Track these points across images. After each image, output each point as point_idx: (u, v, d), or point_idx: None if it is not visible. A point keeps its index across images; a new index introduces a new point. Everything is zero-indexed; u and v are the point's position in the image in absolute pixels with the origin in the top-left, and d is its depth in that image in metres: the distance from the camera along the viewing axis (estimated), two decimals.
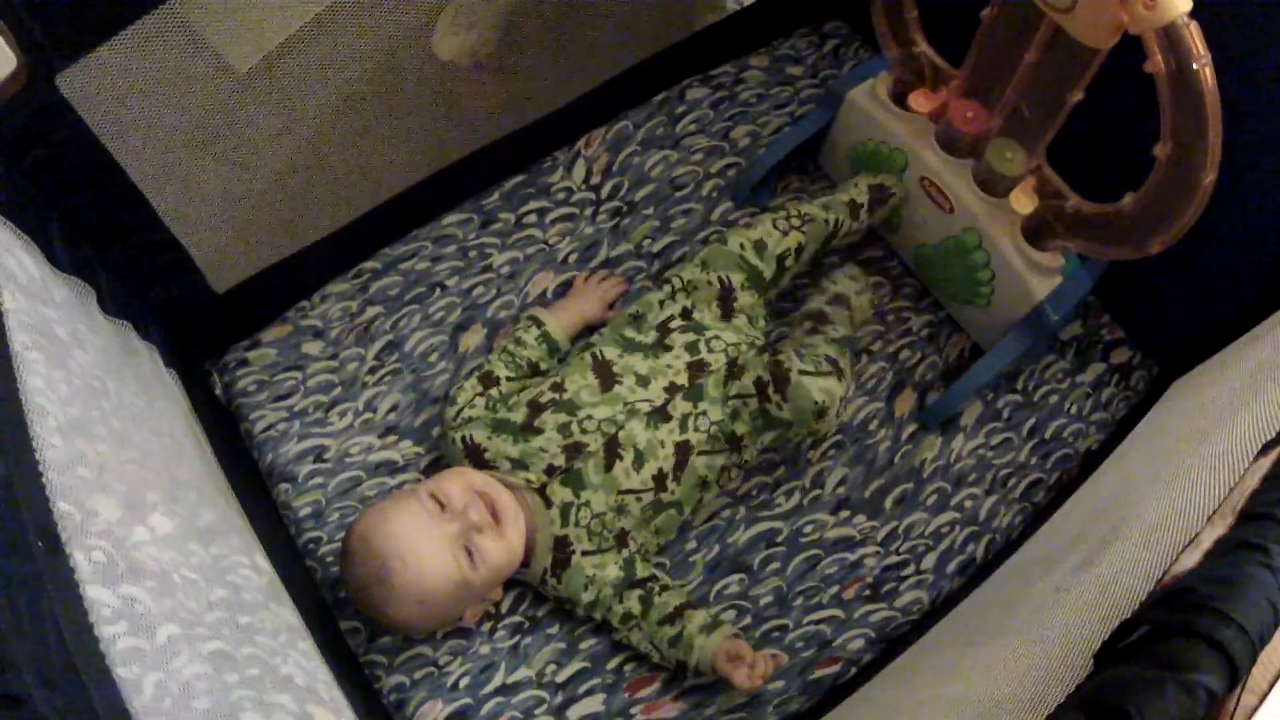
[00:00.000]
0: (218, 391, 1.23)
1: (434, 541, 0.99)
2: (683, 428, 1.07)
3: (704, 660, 1.03)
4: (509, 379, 1.14)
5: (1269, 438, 0.66)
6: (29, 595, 0.64)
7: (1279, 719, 0.71)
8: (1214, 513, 0.59)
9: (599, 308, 1.22)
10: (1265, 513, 0.55)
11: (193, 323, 1.17)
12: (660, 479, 1.06)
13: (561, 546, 1.05)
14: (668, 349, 1.11)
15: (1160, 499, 0.76)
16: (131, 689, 0.67)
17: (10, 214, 0.85)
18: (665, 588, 1.08)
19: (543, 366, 1.16)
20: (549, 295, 1.25)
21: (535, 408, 1.08)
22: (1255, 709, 0.71)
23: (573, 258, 1.27)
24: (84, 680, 0.63)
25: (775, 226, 1.16)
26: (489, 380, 1.14)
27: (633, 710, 1.07)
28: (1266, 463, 0.60)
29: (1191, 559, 0.55)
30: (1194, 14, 0.85)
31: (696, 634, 1.04)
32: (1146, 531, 0.72)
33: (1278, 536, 0.53)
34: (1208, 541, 0.55)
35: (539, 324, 1.17)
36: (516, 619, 1.11)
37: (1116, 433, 1.19)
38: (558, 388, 1.09)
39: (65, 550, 0.69)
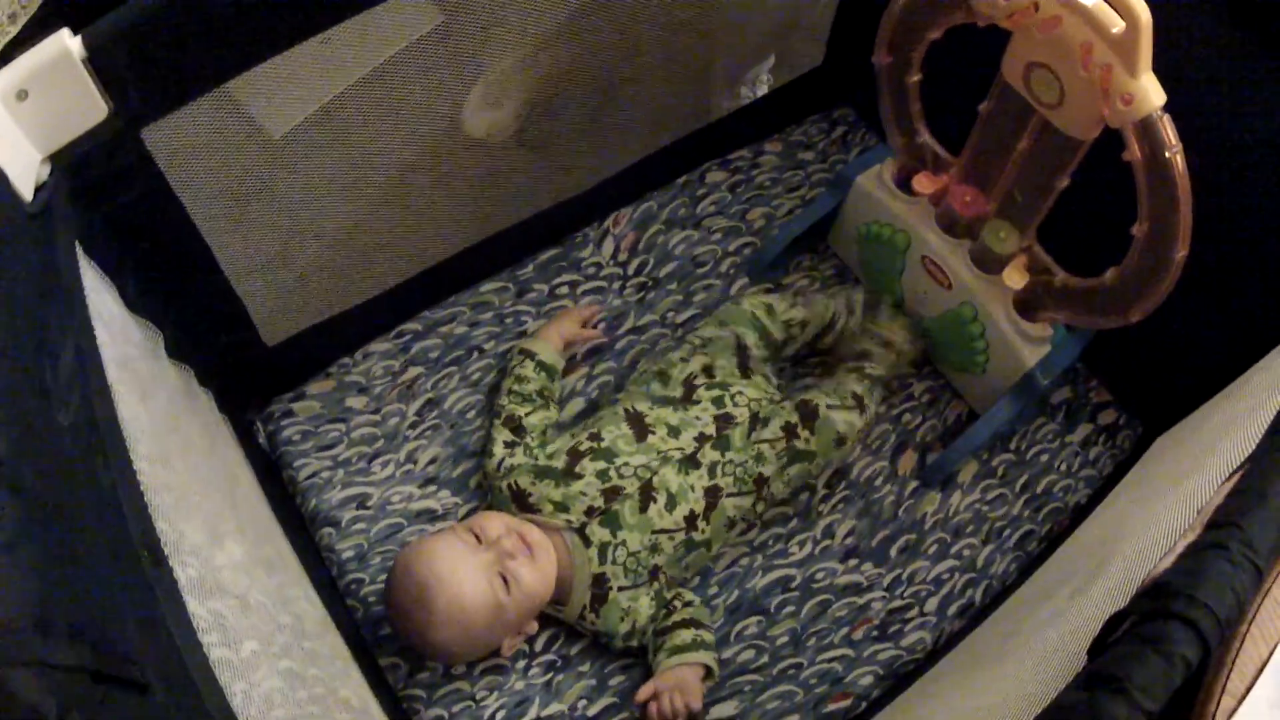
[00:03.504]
0: (260, 440, 1.29)
1: (471, 568, 1.07)
2: (711, 474, 1.16)
3: (654, 672, 1.12)
4: (528, 413, 1.23)
5: (1233, 469, 0.75)
6: (143, 601, 0.69)
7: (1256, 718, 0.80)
8: (1187, 529, 0.68)
9: (574, 326, 1.31)
10: (1227, 520, 0.64)
11: (244, 373, 1.23)
12: (691, 519, 1.14)
13: (600, 583, 1.13)
14: (696, 403, 1.20)
15: (1142, 535, 0.84)
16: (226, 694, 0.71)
17: (92, 255, 0.88)
18: (685, 604, 1.16)
19: (547, 392, 1.26)
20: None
21: (575, 455, 1.17)
22: (1234, 711, 0.80)
23: (600, 326, 1.36)
24: (194, 679, 0.68)
25: (783, 299, 1.29)
26: (513, 422, 1.23)
27: None
28: (1230, 485, 0.70)
29: (1167, 562, 0.65)
30: (1166, 107, 0.93)
31: (665, 653, 1.12)
32: (1129, 560, 0.80)
33: (1238, 539, 0.63)
34: (1181, 548, 0.65)
35: (532, 356, 1.26)
36: (550, 657, 1.18)
37: (1103, 488, 1.27)
38: (595, 437, 1.18)
39: (168, 564, 0.74)
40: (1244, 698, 0.81)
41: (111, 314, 0.90)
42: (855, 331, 1.30)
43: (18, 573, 0.54)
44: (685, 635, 1.13)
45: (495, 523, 1.11)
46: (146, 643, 0.65)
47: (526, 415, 1.23)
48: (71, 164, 0.85)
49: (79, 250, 0.86)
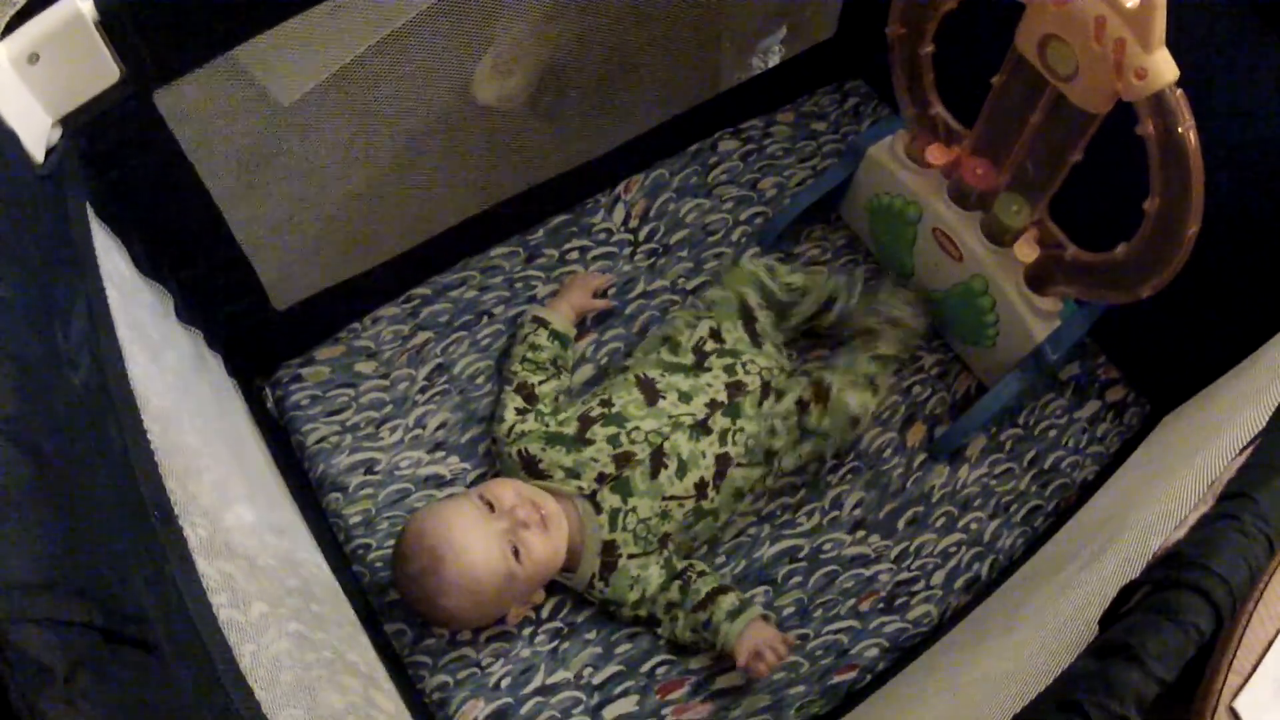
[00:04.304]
0: (269, 406, 1.30)
1: (484, 537, 1.07)
2: (722, 441, 1.16)
3: (728, 645, 1.11)
4: (541, 381, 1.23)
5: (1244, 444, 0.75)
6: (153, 561, 0.69)
7: (1261, 698, 0.80)
8: (1199, 501, 0.68)
9: (585, 296, 1.31)
10: (1239, 491, 0.64)
11: (253, 337, 1.23)
12: (701, 487, 1.15)
13: (609, 550, 1.13)
14: (707, 370, 1.20)
15: (1152, 508, 0.84)
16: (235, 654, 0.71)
17: (103, 217, 0.89)
18: (701, 574, 1.16)
19: (560, 360, 1.26)
20: None
21: (586, 421, 1.17)
22: (1240, 689, 0.80)
23: (611, 292, 1.36)
24: (203, 639, 0.68)
25: (783, 263, 1.29)
26: (525, 389, 1.23)
27: (664, 711, 1.14)
28: (1242, 459, 0.70)
29: (1179, 534, 0.65)
30: (1180, 82, 0.92)
31: (723, 620, 1.11)
32: (1140, 532, 0.80)
33: (1251, 510, 0.63)
34: (1193, 519, 0.65)
35: (545, 324, 1.26)
36: (556, 624, 1.18)
37: (1110, 464, 1.27)
38: (606, 403, 1.18)
39: (178, 523, 0.74)
40: (1250, 675, 0.81)
41: (122, 276, 0.91)
42: (860, 312, 1.30)
43: (27, 531, 0.54)
44: (730, 599, 1.13)
45: (509, 491, 1.11)
46: (155, 602, 0.65)
47: (540, 384, 1.23)
48: (83, 127, 0.85)
49: (90, 212, 0.86)
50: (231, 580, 0.79)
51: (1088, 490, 1.26)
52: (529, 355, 1.25)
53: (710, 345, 1.23)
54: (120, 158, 0.92)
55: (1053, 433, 1.31)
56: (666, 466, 1.14)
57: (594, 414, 1.17)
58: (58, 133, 0.84)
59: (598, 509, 1.13)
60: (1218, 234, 0.99)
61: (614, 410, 1.17)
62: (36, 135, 0.81)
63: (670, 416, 1.16)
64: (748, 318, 1.25)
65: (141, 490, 0.72)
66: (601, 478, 1.14)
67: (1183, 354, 1.21)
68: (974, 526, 1.25)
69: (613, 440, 1.15)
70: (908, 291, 1.32)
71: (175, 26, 0.86)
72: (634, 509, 1.13)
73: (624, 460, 1.14)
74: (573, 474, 1.14)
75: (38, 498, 0.56)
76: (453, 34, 1.08)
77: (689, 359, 1.22)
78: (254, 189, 1.08)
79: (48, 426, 0.62)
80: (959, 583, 1.22)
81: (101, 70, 0.85)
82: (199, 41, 0.89)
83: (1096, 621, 0.67)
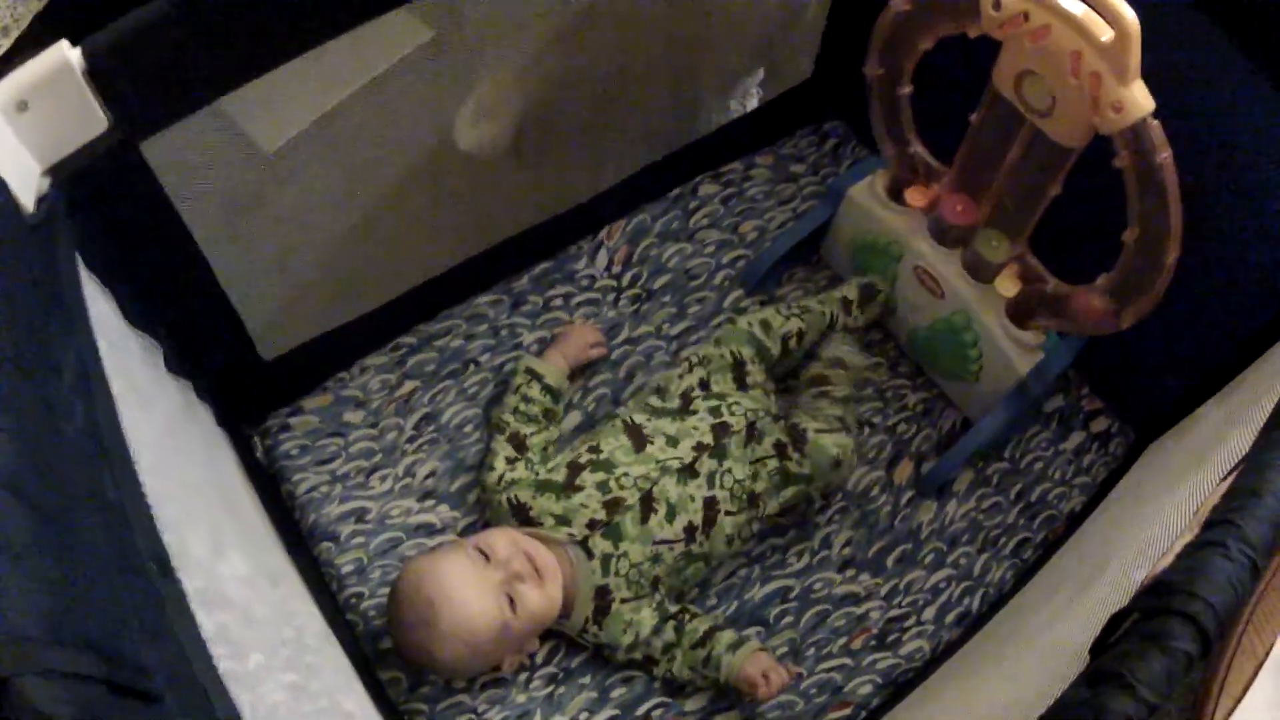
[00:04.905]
0: (258, 454, 1.29)
1: (479, 588, 1.07)
2: (710, 484, 1.16)
3: (731, 676, 1.11)
4: (532, 433, 1.24)
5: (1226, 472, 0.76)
6: (153, 612, 0.68)
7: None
8: (1184, 530, 0.70)
9: (579, 348, 1.31)
10: (1224, 519, 0.65)
11: (241, 387, 1.23)
12: (690, 530, 1.15)
13: (602, 595, 1.13)
14: (693, 413, 1.21)
15: (1138, 537, 0.85)
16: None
17: (91, 266, 0.88)
18: (694, 615, 1.16)
19: (551, 413, 1.27)
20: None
21: (575, 468, 1.17)
22: (1231, 712, 0.81)
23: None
24: (206, 690, 0.68)
25: (779, 312, 1.29)
26: (516, 439, 1.23)
27: None
28: (1226, 485, 0.71)
29: (1167, 562, 0.66)
30: (1156, 113, 0.94)
31: (724, 653, 1.12)
32: (1127, 562, 0.81)
33: (1236, 536, 0.64)
34: (1179, 548, 0.66)
35: (539, 378, 1.27)
36: (551, 670, 1.18)
37: (1097, 494, 1.27)
38: (594, 450, 1.18)
39: (175, 575, 0.74)
40: (1241, 699, 0.82)
41: (112, 326, 0.90)
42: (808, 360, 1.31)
43: (30, 583, 0.54)
44: (728, 635, 1.13)
45: (503, 541, 1.11)
46: (157, 654, 0.65)
47: (531, 435, 1.24)
48: (71, 176, 0.85)
49: (79, 261, 0.86)
50: (228, 631, 0.79)
51: (1075, 521, 1.26)
52: (521, 407, 1.25)
53: (696, 392, 1.24)
54: (108, 207, 0.91)
55: (1038, 465, 1.32)
56: (656, 511, 1.14)
57: (582, 460, 1.17)
58: (47, 181, 0.83)
59: (589, 555, 1.13)
60: (1195, 259, 1.01)
61: (602, 456, 1.17)
62: (26, 184, 0.80)
63: (658, 461, 1.16)
64: (739, 372, 1.26)
65: (139, 542, 0.72)
66: (592, 524, 1.14)
67: (1164, 382, 1.22)
68: (963, 561, 1.26)
69: (602, 486, 1.15)
70: (844, 333, 1.32)
71: (163, 75, 0.86)
72: (625, 554, 1.13)
73: (614, 506, 1.14)
74: (563, 521, 1.14)
75: (39, 550, 0.56)
76: (434, 80, 1.09)
77: (675, 403, 1.23)
78: (239, 237, 1.09)
79: (43, 478, 0.62)
80: (950, 617, 1.22)
81: (90, 119, 0.84)
82: (187, 90, 0.89)
83: (1088, 650, 0.68)
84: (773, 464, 1.19)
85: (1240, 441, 0.81)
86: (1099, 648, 0.67)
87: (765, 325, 1.28)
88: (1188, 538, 0.68)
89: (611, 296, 1.40)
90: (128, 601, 0.65)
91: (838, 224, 1.37)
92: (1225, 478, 0.77)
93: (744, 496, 1.18)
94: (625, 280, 1.41)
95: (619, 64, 1.24)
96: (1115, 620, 0.66)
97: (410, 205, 1.21)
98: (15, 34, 1.23)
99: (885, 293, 1.33)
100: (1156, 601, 0.63)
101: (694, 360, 1.26)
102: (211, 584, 0.82)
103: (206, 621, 0.74)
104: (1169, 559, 0.67)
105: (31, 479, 0.60)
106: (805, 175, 1.50)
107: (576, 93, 1.25)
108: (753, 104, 1.47)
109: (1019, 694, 0.76)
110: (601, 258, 1.42)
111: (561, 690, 1.17)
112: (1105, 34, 0.93)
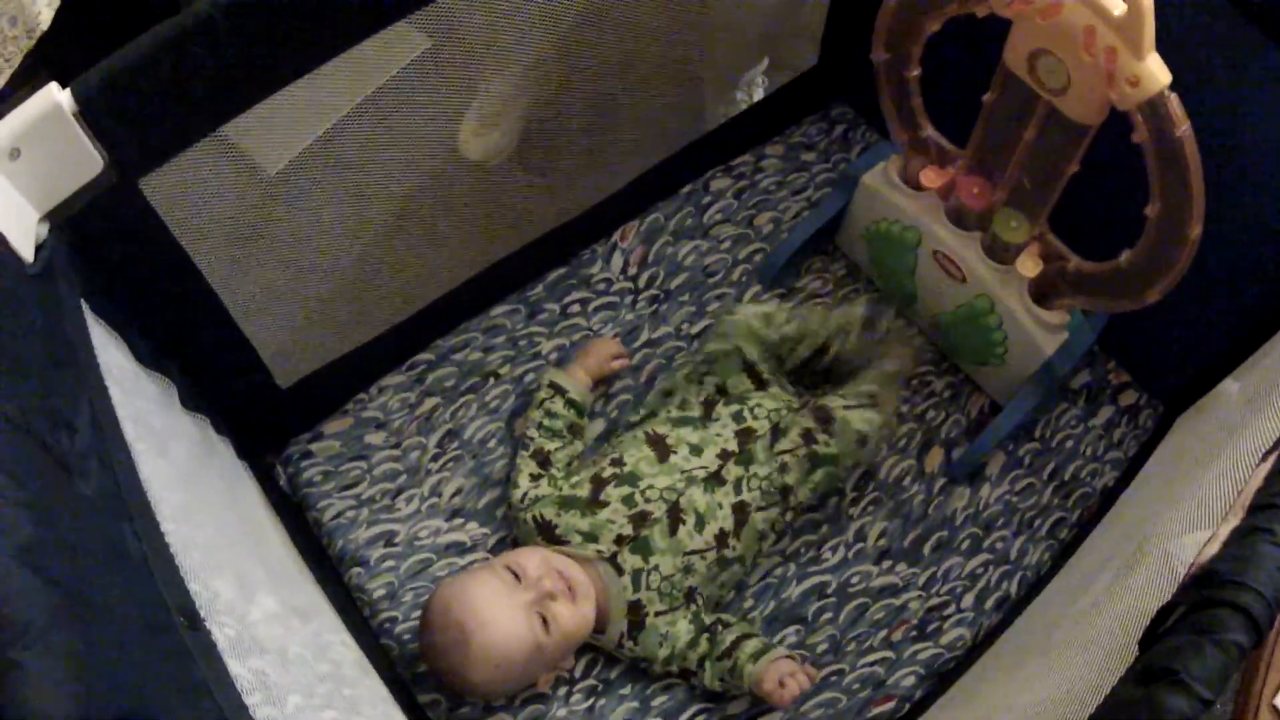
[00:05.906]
0: (281, 483, 1.29)
1: (510, 608, 1.06)
2: (737, 490, 1.15)
3: (753, 684, 1.10)
4: (557, 449, 1.22)
5: (1266, 448, 0.75)
6: (180, 667, 0.68)
7: None
8: (1227, 513, 0.68)
9: (600, 362, 1.30)
10: (1269, 503, 0.64)
11: (259, 417, 1.22)
12: (722, 537, 1.13)
13: (635, 610, 1.12)
14: (715, 420, 1.19)
15: (1175, 517, 0.84)
16: None
17: (98, 311, 0.87)
18: (727, 625, 1.15)
19: (575, 427, 1.25)
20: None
21: (599, 483, 1.15)
22: None
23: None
24: None
25: (780, 309, 1.27)
26: (540, 454, 1.22)
27: None
28: (1267, 466, 0.69)
29: (1211, 550, 0.64)
30: (1173, 86, 0.92)
31: (746, 662, 1.10)
32: (1166, 543, 0.79)
33: None
34: (1224, 535, 0.64)
35: (563, 393, 1.25)
36: (590, 682, 1.17)
37: (1130, 469, 1.26)
38: (617, 463, 1.16)
39: (205, 626, 0.73)
40: None
41: (123, 370, 0.89)
42: (859, 348, 1.29)
43: (55, 663, 0.53)
44: (754, 643, 1.12)
45: (534, 560, 1.10)
46: (191, 711, 0.65)
47: (555, 450, 1.22)
48: (70, 220, 0.84)
49: (85, 307, 0.84)
50: (264, 677, 0.78)
51: (1109, 496, 1.25)
52: (545, 422, 1.24)
53: (717, 398, 1.23)
54: (110, 248, 0.90)
55: (1070, 443, 1.30)
56: (684, 522, 1.13)
57: (606, 475, 1.16)
58: (45, 228, 0.82)
59: (619, 571, 1.12)
60: (1216, 230, 0.99)
61: (626, 470, 1.16)
62: (25, 233, 0.79)
63: (683, 471, 1.15)
64: (750, 370, 1.24)
65: (166, 596, 0.71)
66: (620, 539, 1.12)
67: (1190, 353, 1.21)
68: (999, 545, 1.24)
69: (627, 500, 1.14)
70: (899, 322, 1.32)
71: (155, 111, 0.84)
72: (656, 567, 1.12)
73: (641, 520, 1.13)
74: (590, 538, 1.13)
75: (63, 626, 0.55)
76: (435, 90, 1.08)
77: (697, 411, 1.21)
78: (248, 266, 1.08)
79: (63, 546, 0.61)
80: (989, 603, 1.21)
81: (85, 161, 0.83)
82: (180, 125, 0.88)
83: (1136, 642, 0.66)
84: (801, 452, 1.18)
85: (1272, 420, 0.79)
86: (1147, 640, 0.65)
87: (766, 319, 1.26)
88: (1233, 522, 0.67)
89: (629, 299, 1.38)
90: (157, 664, 0.64)
91: (853, 212, 1.35)
92: (1264, 457, 0.75)
93: (774, 491, 1.16)
94: (642, 281, 1.39)
95: (620, 63, 1.22)
96: (1164, 612, 0.65)
97: (419, 220, 1.20)
98: (8, 73, 1.22)
99: (887, 321, 1.32)
100: (1205, 593, 0.62)
101: (703, 367, 1.26)
102: (244, 630, 0.81)
103: (242, 670, 0.74)
104: (1215, 547, 0.66)
105: (49, 550, 0.59)
106: (817, 163, 1.48)
107: (580, 94, 1.23)
108: (759, 95, 1.45)
109: (1066, 688, 0.75)
110: (616, 260, 1.40)
111: (603, 702, 1.16)
112: (1117, 8, 0.90)
